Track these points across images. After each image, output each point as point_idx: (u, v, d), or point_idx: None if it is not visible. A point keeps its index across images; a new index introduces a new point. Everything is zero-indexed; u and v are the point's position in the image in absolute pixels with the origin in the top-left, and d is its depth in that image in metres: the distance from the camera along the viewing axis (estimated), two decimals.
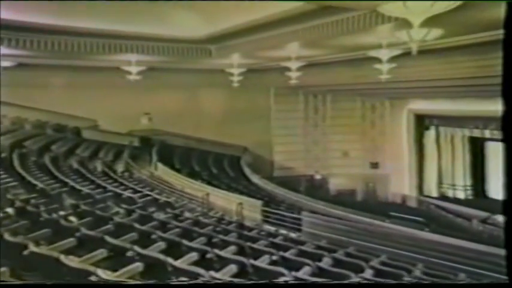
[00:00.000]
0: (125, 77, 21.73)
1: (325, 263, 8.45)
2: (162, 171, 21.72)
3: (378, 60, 16.80)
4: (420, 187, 30.70)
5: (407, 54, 13.80)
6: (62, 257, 6.00)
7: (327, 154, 33.90)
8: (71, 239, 7.37)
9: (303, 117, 34.09)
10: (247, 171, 27.56)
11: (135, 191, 15.82)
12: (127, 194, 14.97)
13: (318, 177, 33.59)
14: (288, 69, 21.10)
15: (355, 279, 6.87)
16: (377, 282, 8.08)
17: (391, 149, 32.43)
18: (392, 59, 16.39)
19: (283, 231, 12.89)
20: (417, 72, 19.42)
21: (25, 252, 6.14)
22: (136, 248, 6.98)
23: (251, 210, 14.88)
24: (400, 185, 31.34)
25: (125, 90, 26.55)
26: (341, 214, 16.77)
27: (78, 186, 14.70)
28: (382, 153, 32.96)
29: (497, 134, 24.28)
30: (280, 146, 33.79)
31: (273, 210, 15.09)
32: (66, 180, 15.35)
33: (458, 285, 7.38)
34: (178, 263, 6.48)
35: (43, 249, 6.42)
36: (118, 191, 15.30)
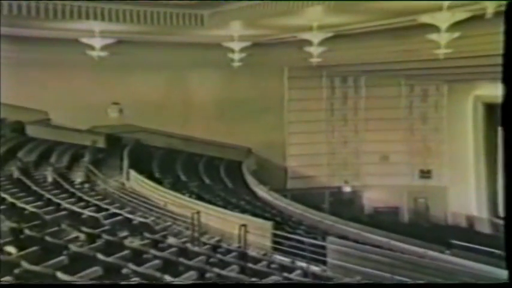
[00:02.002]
0: (86, 53, 21.55)
1: None
2: (137, 181, 21.72)
3: (433, 28, 16.42)
4: (494, 205, 30.26)
5: (477, 18, 13.45)
6: None
7: (359, 158, 33.85)
8: (8, 278, 7.18)
9: (327, 108, 34.00)
10: (251, 181, 27.58)
11: (100, 209, 15.76)
12: (88, 213, 14.88)
13: (347, 189, 33.53)
14: (308, 42, 20.82)
15: None
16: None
17: (450, 151, 32.22)
18: (455, 26, 15.97)
19: (301, 263, 12.73)
20: (490, 43, 18.88)
21: None
22: None
23: (258, 234, 14.76)
24: (464, 202, 31.10)
25: (86, 71, 26.67)
26: (380, 241, 16.70)
27: (19, 204, 14.52)
28: (438, 157, 32.79)
29: None
30: (296, 147, 33.74)
31: (288, 235, 14.97)
32: (4, 195, 15.13)
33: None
34: None
35: None
36: (76, 209, 15.20)
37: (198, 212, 15.57)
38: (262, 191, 25.80)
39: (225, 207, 19.04)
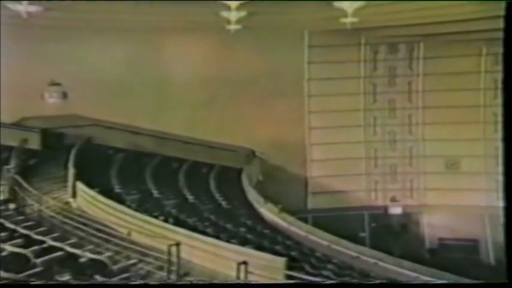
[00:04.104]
0: (9, 7, 21.12)
1: None
2: (87, 199, 21.68)
3: None
4: None
5: None
6: None
7: (415, 166, 34.04)
8: None
9: (367, 91, 34.14)
10: (254, 198, 27.69)
11: (30, 242, 15.57)
12: (11, 248, 14.53)
13: (397, 211, 33.70)
14: None
15: None
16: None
17: None
18: None
19: None
20: None
21: None
22: None
23: (264, 276, 15.07)
24: None
25: (11, 35, 25.94)
26: None
27: None
28: None
29: None
30: (320, 149, 33.97)
31: (309, 278, 15.15)
32: None
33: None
34: None
35: None
36: None
37: (178, 244, 15.60)
38: (271, 213, 25.87)
39: (216, 236, 19.10)
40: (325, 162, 33.91)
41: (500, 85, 29.59)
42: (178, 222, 20.06)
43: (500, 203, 29.07)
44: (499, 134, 33.83)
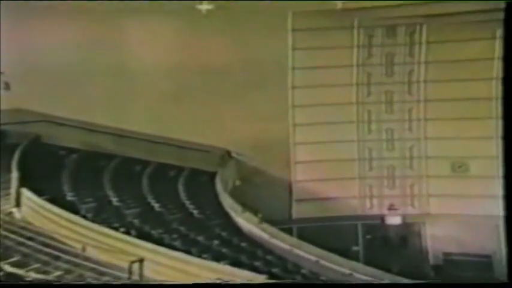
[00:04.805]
0: None
1: None
2: (34, 208, 21.53)
3: None
4: None
5: None
6: None
7: (416, 168, 33.95)
8: None
9: (360, 82, 33.90)
10: (230, 206, 27.67)
11: None
12: None
13: (395, 220, 33.70)
14: None
15: None
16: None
17: None
18: None
19: None
20: None
21: None
22: None
23: None
24: None
25: None
26: None
27: None
28: None
29: None
30: (307, 149, 33.92)
31: None
32: None
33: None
34: None
35: None
36: None
37: (141, 260, 15.78)
38: (249, 223, 25.85)
39: (186, 250, 19.16)
40: (312, 165, 33.88)
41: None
42: (141, 235, 20.04)
43: None
44: None
